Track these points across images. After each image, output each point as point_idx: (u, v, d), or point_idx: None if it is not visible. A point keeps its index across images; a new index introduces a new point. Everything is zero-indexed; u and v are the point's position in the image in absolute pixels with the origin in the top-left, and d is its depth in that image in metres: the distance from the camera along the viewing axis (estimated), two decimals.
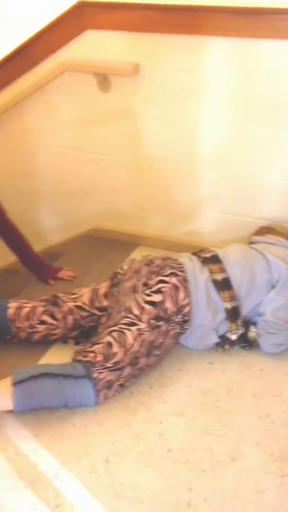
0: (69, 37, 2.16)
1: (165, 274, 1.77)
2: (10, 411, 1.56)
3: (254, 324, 1.84)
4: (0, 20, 2.26)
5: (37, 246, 2.44)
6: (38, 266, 2.27)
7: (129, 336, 1.65)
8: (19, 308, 1.86)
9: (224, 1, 1.98)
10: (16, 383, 1.55)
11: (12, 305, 1.86)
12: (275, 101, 2.02)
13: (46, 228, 2.71)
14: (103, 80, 2.21)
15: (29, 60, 2.26)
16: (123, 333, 1.66)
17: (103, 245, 2.54)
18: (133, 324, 1.68)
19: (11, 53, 2.26)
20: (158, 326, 1.69)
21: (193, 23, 1.99)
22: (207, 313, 1.76)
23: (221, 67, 2.04)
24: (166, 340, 1.72)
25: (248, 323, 1.84)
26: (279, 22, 1.87)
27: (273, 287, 1.84)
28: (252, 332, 1.83)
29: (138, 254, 2.16)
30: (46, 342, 1.88)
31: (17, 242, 2.18)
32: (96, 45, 2.16)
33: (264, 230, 2.19)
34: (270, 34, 1.91)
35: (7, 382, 1.56)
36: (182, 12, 1.99)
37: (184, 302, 1.73)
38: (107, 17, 2.08)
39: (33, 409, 1.59)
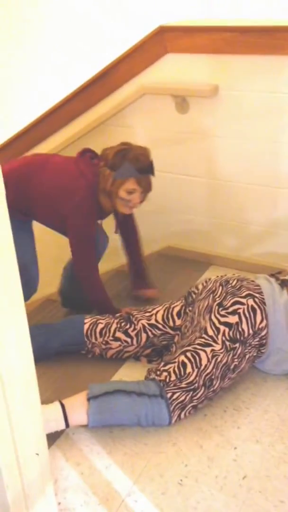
0: (150, 61, 2.22)
1: (241, 295, 1.74)
2: (84, 426, 1.58)
3: None
4: (82, 46, 2.36)
5: (112, 263, 2.49)
6: (141, 274, 2.29)
7: (204, 357, 1.63)
8: (94, 324, 1.89)
9: None
10: (91, 398, 1.57)
11: (88, 321, 1.90)
12: None
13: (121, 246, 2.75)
14: (182, 102, 2.24)
15: (110, 84, 2.34)
16: (198, 353, 1.64)
17: (177, 263, 2.54)
18: (207, 345, 1.65)
19: (93, 77, 2.35)
20: (234, 349, 1.66)
21: (270, 43, 1.99)
22: (285, 337, 1.71)
23: None
24: (241, 363, 1.68)
25: None
26: None
27: None
28: None
29: (211, 274, 2.14)
30: (119, 359, 1.90)
31: (133, 243, 2.25)
32: (175, 68, 2.21)
33: None
34: None
35: (82, 396, 1.59)
36: (259, 33, 1.99)
37: (262, 325, 1.69)
38: (187, 41, 2.12)
39: (106, 425, 1.60)
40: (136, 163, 1.88)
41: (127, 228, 2.22)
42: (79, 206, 1.94)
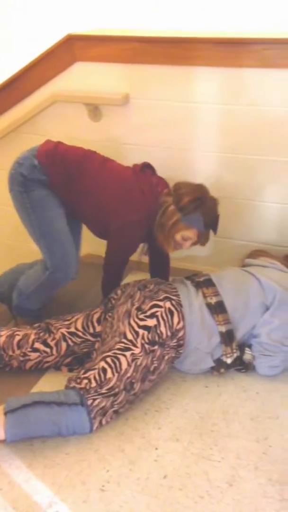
0: (60, 69, 2.22)
1: (159, 298, 1.77)
2: (2, 441, 1.53)
3: (249, 346, 1.83)
4: None
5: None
6: None
7: (124, 361, 1.64)
8: (11, 336, 1.84)
9: (210, 32, 2.05)
10: (8, 412, 1.52)
11: (4, 333, 1.85)
12: (264, 126, 2.06)
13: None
14: (94, 109, 2.26)
15: (20, 92, 2.31)
16: (117, 358, 1.64)
17: (97, 270, 2.53)
18: (127, 349, 1.66)
19: (2, 83, 2.31)
20: (153, 351, 1.68)
21: (180, 54, 2.05)
22: (202, 337, 1.76)
23: (208, 96, 2.09)
24: (161, 364, 1.70)
25: (243, 346, 1.83)
26: (265, 51, 1.94)
27: (267, 309, 1.83)
28: (248, 355, 1.82)
29: (131, 279, 2.16)
30: (39, 370, 1.86)
31: (164, 272, 2.18)
32: (86, 76, 2.22)
33: (257, 253, 2.20)
34: (256, 63, 1.97)
35: None
36: (169, 43, 2.05)
37: (179, 326, 1.73)
38: (96, 50, 2.14)
39: (26, 438, 1.56)
40: (205, 217, 1.80)
41: (160, 256, 2.13)
42: (133, 224, 1.85)
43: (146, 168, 1.95)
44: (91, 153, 1.96)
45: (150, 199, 1.84)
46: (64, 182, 1.89)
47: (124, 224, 1.85)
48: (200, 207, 1.79)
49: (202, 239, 1.87)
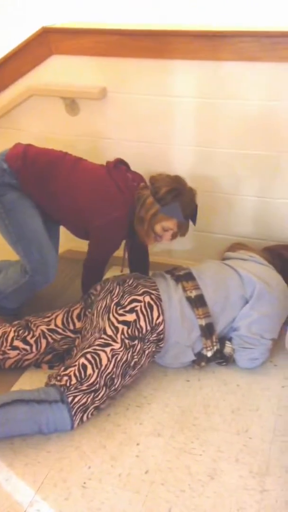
0: (36, 62, 2.19)
1: (138, 293, 1.76)
2: None
3: (230, 339, 1.84)
4: None
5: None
6: None
7: (104, 357, 1.63)
8: None
9: (186, 26, 2.04)
10: None
11: None
12: (242, 120, 2.06)
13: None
14: (71, 103, 2.23)
15: None
16: (98, 354, 1.64)
17: (77, 266, 2.51)
18: (107, 345, 1.66)
19: None
20: (133, 346, 1.67)
21: (157, 47, 2.03)
22: (182, 330, 1.76)
23: (186, 90, 2.08)
24: (141, 359, 1.70)
25: (223, 339, 1.84)
26: (242, 44, 1.93)
27: (247, 302, 1.84)
28: (228, 348, 1.83)
29: (111, 274, 2.15)
30: (19, 368, 1.84)
31: (144, 268, 2.16)
32: (63, 70, 2.19)
33: (237, 247, 2.21)
34: (233, 56, 1.96)
35: None
36: (145, 36, 2.03)
37: (158, 321, 1.73)
38: (72, 43, 2.11)
39: (6, 437, 1.55)
40: (185, 207, 1.81)
41: (139, 251, 2.13)
42: (115, 221, 1.84)
43: (120, 164, 1.94)
44: (63, 155, 1.94)
45: (128, 194, 1.84)
46: (36, 185, 1.88)
47: (106, 222, 1.84)
48: (177, 197, 1.81)
49: (182, 230, 1.88)
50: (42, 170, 1.86)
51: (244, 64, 1.97)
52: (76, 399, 1.56)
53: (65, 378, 1.60)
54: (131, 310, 1.72)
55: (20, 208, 1.89)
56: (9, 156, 1.87)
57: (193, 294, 1.81)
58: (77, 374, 1.60)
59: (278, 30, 1.89)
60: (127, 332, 1.68)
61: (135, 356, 1.68)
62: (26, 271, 1.95)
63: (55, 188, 1.87)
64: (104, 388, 1.61)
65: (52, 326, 1.85)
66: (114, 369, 1.63)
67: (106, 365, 1.62)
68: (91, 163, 1.96)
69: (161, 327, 1.73)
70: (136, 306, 1.72)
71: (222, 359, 1.84)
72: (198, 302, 1.79)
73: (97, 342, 1.67)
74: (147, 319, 1.71)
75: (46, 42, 2.12)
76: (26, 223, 1.89)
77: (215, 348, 1.80)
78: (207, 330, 1.78)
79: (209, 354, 1.80)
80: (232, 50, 1.95)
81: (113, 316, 1.71)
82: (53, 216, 1.97)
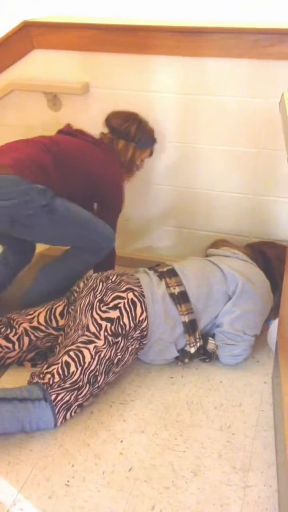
0: (17, 56, 2.16)
1: (121, 290, 1.76)
2: None
3: (213, 336, 1.85)
4: None
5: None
6: None
7: (87, 354, 1.62)
8: None
9: (168, 21, 2.03)
10: None
11: None
12: (222, 117, 2.07)
13: None
14: (53, 98, 2.21)
15: None
16: (81, 351, 1.63)
17: None
18: (90, 342, 1.65)
19: None
20: (116, 343, 1.67)
21: (139, 42, 2.02)
22: (165, 327, 1.76)
23: (168, 86, 2.08)
24: (125, 356, 1.70)
25: (206, 336, 1.85)
26: (223, 41, 1.93)
27: (230, 298, 1.85)
28: (211, 344, 1.83)
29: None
30: (1, 366, 1.82)
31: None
32: (44, 64, 2.17)
33: (220, 243, 2.22)
34: (215, 52, 1.96)
35: None
36: (127, 31, 2.02)
37: (142, 317, 1.72)
38: (53, 37, 2.09)
39: None
40: (150, 132, 2.06)
41: None
42: (121, 179, 2.04)
43: (71, 129, 2.07)
44: (40, 140, 1.96)
45: (109, 149, 2.01)
46: (60, 178, 1.89)
47: (116, 180, 2.02)
48: (145, 129, 2.03)
49: (151, 153, 2.14)
50: (61, 163, 1.90)
51: (225, 61, 1.97)
52: (59, 397, 1.55)
53: (48, 376, 1.59)
54: (115, 307, 1.71)
55: (65, 202, 1.88)
56: (29, 176, 1.81)
57: (176, 290, 1.81)
58: (60, 371, 1.59)
59: (260, 27, 1.89)
60: (111, 329, 1.67)
61: (119, 353, 1.68)
62: (101, 248, 1.99)
63: (61, 172, 1.89)
64: (87, 386, 1.60)
65: (35, 324, 1.84)
66: (98, 367, 1.62)
67: (89, 363, 1.61)
68: (59, 136, 2.05)
69: (145, 324, 1.73)
70: (120, 303, 1.72)
71: (205, 355, 1.85)
72: (181, 298, 1.80)
73: (80, 340, 1.66)
74: (130, 316, 1.71)
75: (27, 36, 2.09)
76: (79, 210, 1.92)
77: (198, 344, 1.81)
78: (190, 327, 1.78)
79: (192, 350, 1.80)
80: (213, 47, 1.95)
81: (96, 313, 1.71)
82: (66, 193, 1.96)
